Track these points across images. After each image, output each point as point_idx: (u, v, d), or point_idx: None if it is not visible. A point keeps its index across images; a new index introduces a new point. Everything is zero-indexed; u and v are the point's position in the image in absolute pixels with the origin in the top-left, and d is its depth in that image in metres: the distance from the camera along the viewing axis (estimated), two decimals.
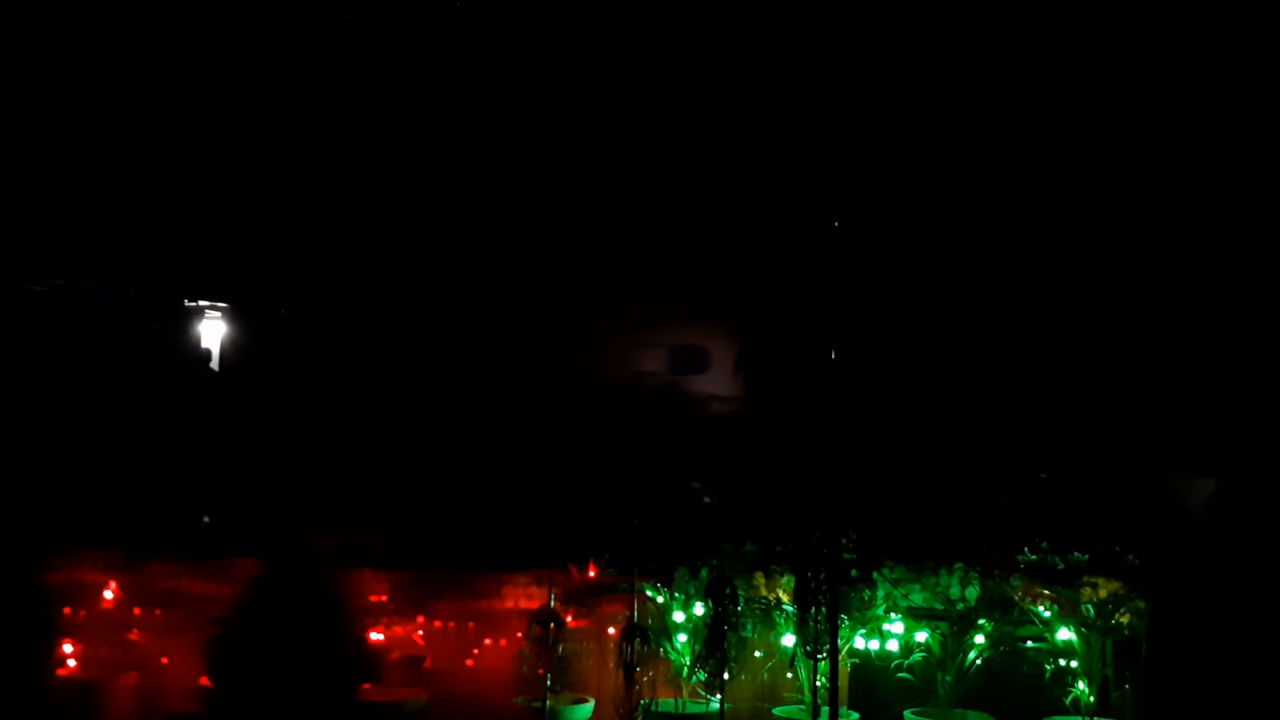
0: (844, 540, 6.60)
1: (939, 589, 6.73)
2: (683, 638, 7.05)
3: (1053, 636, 6.59)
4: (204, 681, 6.95)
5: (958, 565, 6.76)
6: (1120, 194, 8.86)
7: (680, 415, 10.48)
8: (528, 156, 10.05)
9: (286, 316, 10.90)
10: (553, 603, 6.92)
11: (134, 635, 7.86)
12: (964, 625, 6.69)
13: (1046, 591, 6.61)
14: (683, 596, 7.09)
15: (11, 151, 9.73)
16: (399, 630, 7.85)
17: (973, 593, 6.67)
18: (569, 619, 7.01)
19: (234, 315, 11.39)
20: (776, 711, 6.92)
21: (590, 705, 7.12)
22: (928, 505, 8.33)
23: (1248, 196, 8.49)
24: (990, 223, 9.36)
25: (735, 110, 9.46)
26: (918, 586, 6.78)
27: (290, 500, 8.95)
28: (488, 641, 7.76)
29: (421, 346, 10.52)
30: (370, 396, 10.16)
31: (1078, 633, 6.51)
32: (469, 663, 7.75)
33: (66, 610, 7.72)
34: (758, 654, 7.05)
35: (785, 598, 6.83)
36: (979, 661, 6.70)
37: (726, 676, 6.52)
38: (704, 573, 7.03)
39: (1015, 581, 6.71)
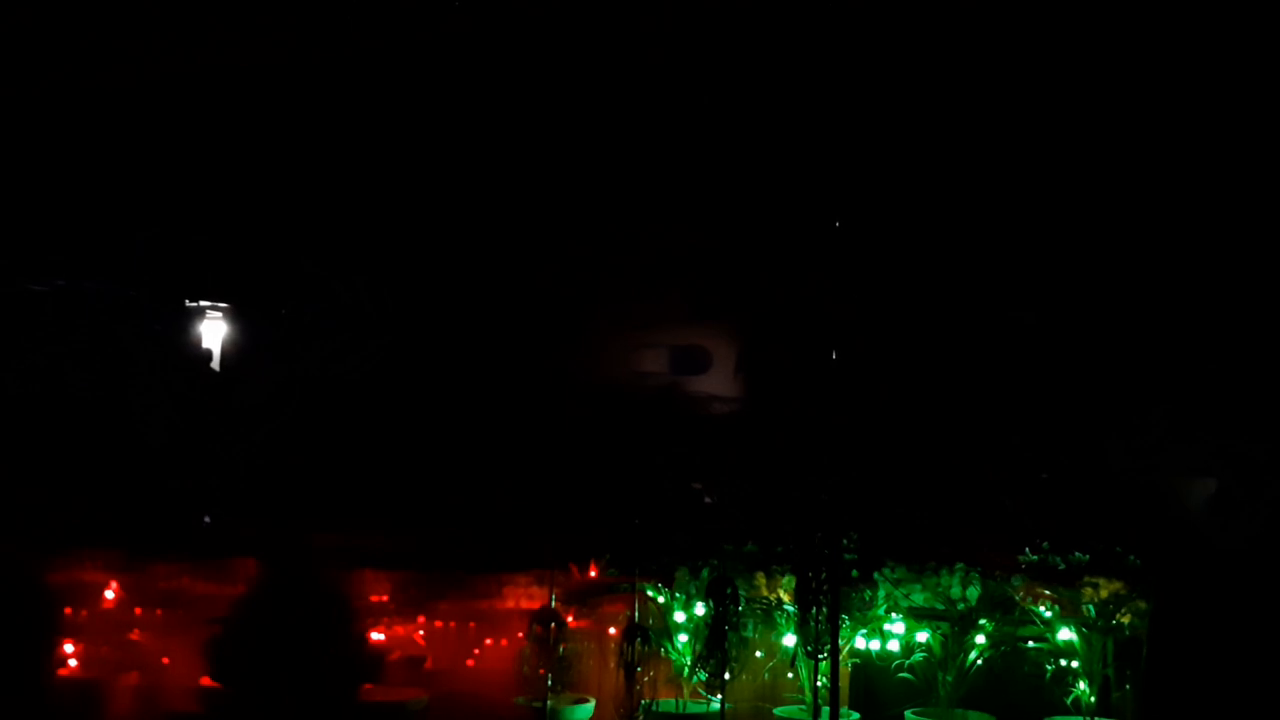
0: (845, 540, 6.59)
1: (940, 589, 6.73)
2: (683, 638, 7.05)
3: (1054, 637, 6.59)
4: (205, 681, 6.97)
5: (959, 565, 6.76)
6: (1120, 195, 8.87)
7: (680, 415, 10.49)
8: (528, 157, 10.05)
9: (287, 317, 10.90)
10: (553, 603, 6.92)
11: (135, 635, 7.85)
12: (965, 625, 6.69)
13: (1047, 592, 6.61)
14: (684, 596, 7.09)
15: (12, 151, 9.72)
16: (400, 630, 7.85)
17: (974, 593, 6.68)
18: (570, 619, 7.01)
19: (235, 315, 11.38)
20: (777, 711, 6.92)
21: (591, 705, 7.12)
22: (928, 505, 8.34)
23: (1247, 197, 8.49)
24: (990, 223, 9.36)
25: (735, 110, 9.46)
26: (919, 586, 6.79)
27: (290, 500, 8.95)
28: (488, 641, 7.76)
29: (422, 347, 10.52)
30: (370, 397, 10.16)
31: (1079, 633, 6.51)
32: (470, 663, 7.75)
33: (67, 610, 7.72)
34: (759, 654, 7.05)
35: (786, 598, 6.83)
36: (980, 662, 6.71)
37: (727, 676, 6.52)
38: (705, 573, 7.03)
39: (1016, 581, 6.71)
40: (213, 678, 6.83)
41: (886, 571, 6.81)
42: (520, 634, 7.21)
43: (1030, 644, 6.74)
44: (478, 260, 10.69)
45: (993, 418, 9.17)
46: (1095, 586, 6.45)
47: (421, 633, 7.90)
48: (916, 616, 6.80)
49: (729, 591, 6.56)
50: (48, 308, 10.68)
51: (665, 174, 9.86)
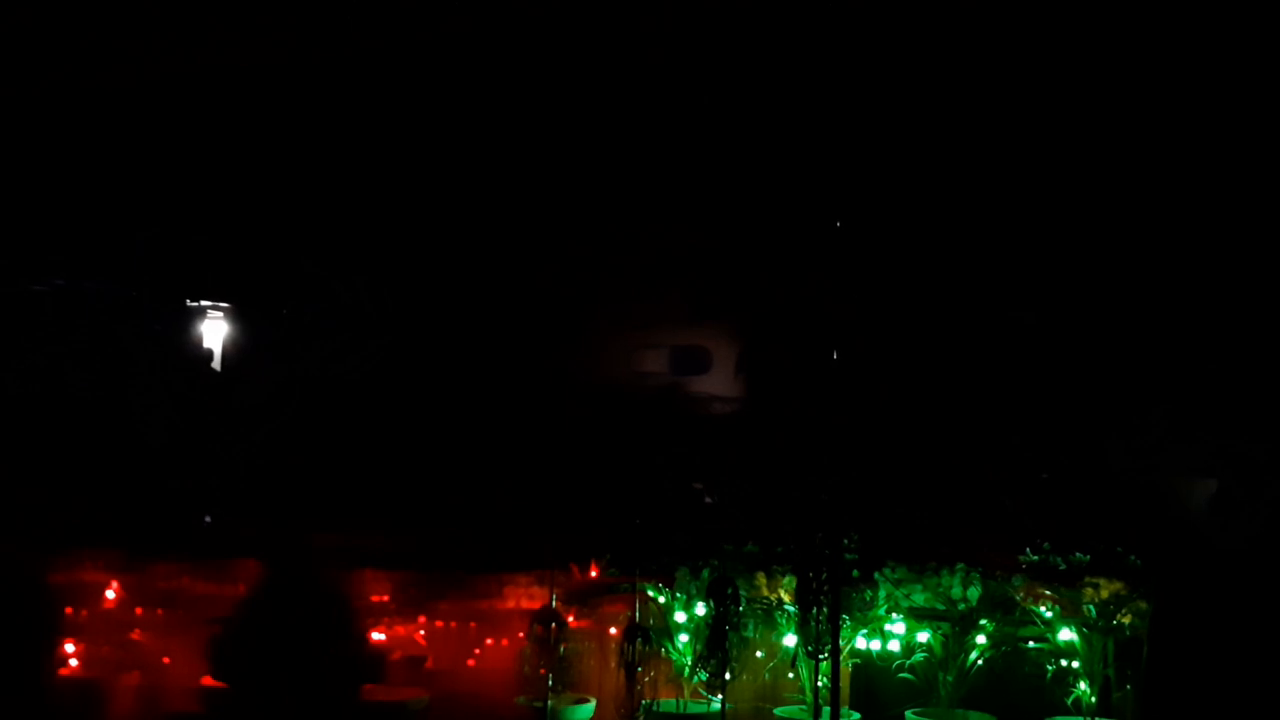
0: (845, 540, 6.60)
1: (940, 589, 6.73)
2: (684, 638, 7.05)
3: (1054, 637, 6.59)
4: (205, 681, 6.97)
5: (959, 565, 6.76)
6: (1120, 194, 8.87)
7: (681, 415, 10.49)
8: (528, 157, 10.05)
9: (288, 317, 10.90)
10: (554, 603, 6.92)
11: (135, 635, 7.86)
12: (965, 625, 6.69)
13: (1048, 592, 6.60)
14: (684, 596, 7.10)
15: (12, 151, 9.72)
16: (400, 630, 7.86)
17: (974, 593, 6.68)
18: (570, 619, 7.01)
19: (235, 315, 11.38)
20: (778, 712, 6.92)
21: (591, 705, 7.13)
22: (929, 505, 8.34)
23: (1247, 197, 8.50)
24: (990, 223, 9.36)
25: (735, 110, 9.46)
26: (919, 587, 6.79)
27: (291, 500, 8.95)
28: (489, 641, 7.76)
29: (422, 347, 10.52)
30: (370, 397, 10.16)
31: (1079, 633, 6.51)
32: (470, 663, 7.75)
33: (68, 610, 7.73)
34: (759, 654, 7.05)
35: (787, 598, 6.83)
36: (980, 662, 6.71)
37: (728, 677, 6.53)
38: (705, 573, 7.04)
39: (1017, 582, 6.71)
40: (214, 677, 6.84)
41: (887, 571, 6.81)
42: (521, 634, 7.22)
43: (1031, 644, 6.73)
44: (478, 260, 10.69)
45: (993, 418, 9.18)
46: (1096, 587, 6.45)
47: (422, 633, 7.90)
48: (917, 617, 6.80)
49: (729, 591, 6.56)
50: (48, 308, 10.68)
51: (665, 174, 9.86)
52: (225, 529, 9.28)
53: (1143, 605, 6.32)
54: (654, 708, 6.85)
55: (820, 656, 6.21)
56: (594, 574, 7.59)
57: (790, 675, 6.94)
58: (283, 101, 9.81)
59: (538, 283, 10.65)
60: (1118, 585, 6.42)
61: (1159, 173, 8.66)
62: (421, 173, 10.26)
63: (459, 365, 10.54)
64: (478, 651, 7.76)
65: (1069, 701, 6.54)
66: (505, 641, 7.68)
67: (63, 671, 7.53)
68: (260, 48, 9.04)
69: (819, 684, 6.34)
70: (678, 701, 7.03)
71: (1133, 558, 6.59)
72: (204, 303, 11.31)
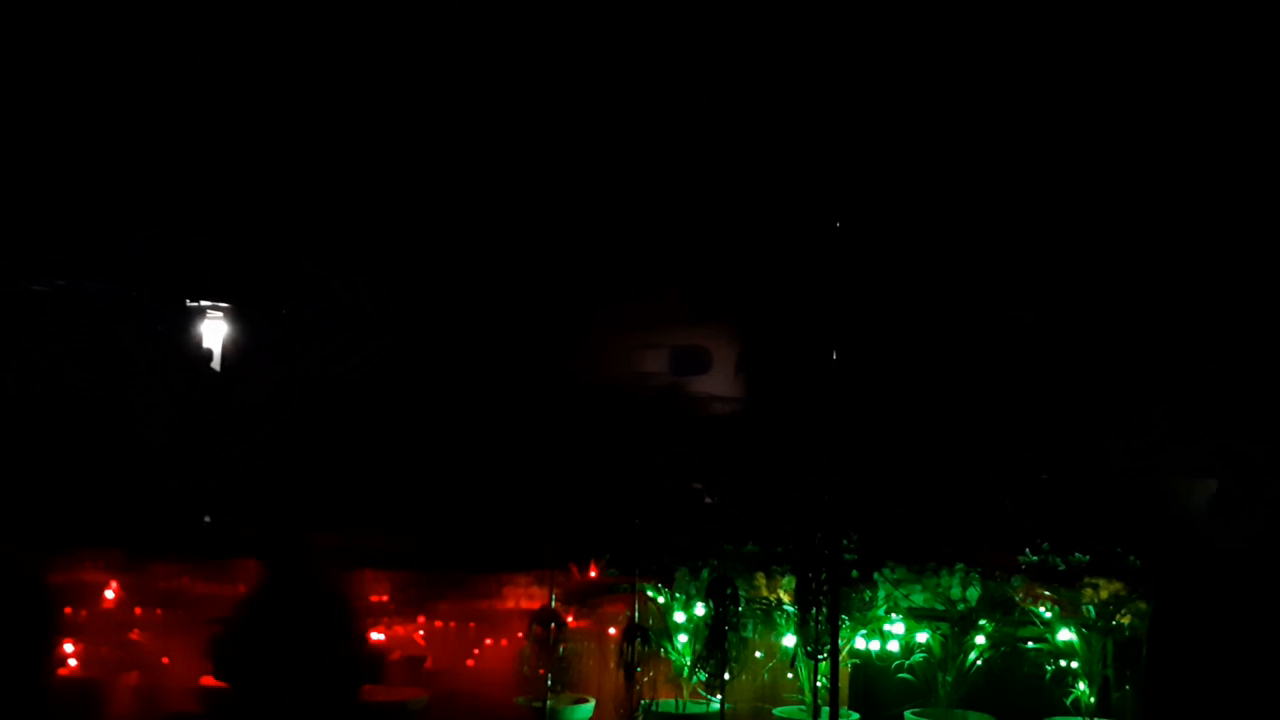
0: (845, 540, 6.60)
1: (940, 590, 6.73)
2: (683, 638, 7.04)
3: (1053, 637, 6.59)
4: (205, 681, 6.97)
5: (959, 566, 6.76)
6: (1119, 194, 8.87)
7: (681, 415, 10.49)
8: (528, 157, 10.05)
9: (288, 317, 10.90)
10: (553, 603, 6.92)
11: (135, 635, 7.86)
12: (965, 626, 6.69)
13: (1047, 592, 6.61)
14: (683, 597, 7.09)
15: (12, 151, 9.72)
16: (400, 630, 7.86)
17: (973, 593, 6.67)
18: (570, 619, 7.01)
19: (235, 315, 11.39)
20: (777, 712, 6.92)
21: (591, 705, 7.12)
22: (928, 505, 8.34)
23: (1247, 197, 8.49)
24: (990, 223, 9.36)
25: (735, 110, 9.46)
26: (918, 587, 6.78)
27: (290, 500, 8.95)
28: (488, 641, 7.76)
29: (421, 347, 10.52)
30: (370, 396, 10.16)
31: (1078, 633, 6.51)
32: (470, 663, 7.75)
33: (67, 610, 7.72)
34: (758, 654, 7.04)
35: (786, 598, 6.83)
36: (980, 662, 6.70)
37: (727, 677, 6.52)
38: (705, 573, 7.03)
39: (1016, 582, 6.71)
40: (214, 677, 6.83)
41: (886, 572, 6.81)
42: (520, 634, 7.21)
43: (1030, 644, 6.73)
44: (478, 260, 10.69)
45: (993, 418, 9.18)
46: (1095, 587, 6.45)
47: (421, 633, 7.90)
48: (916, 617, 6.80)
49: (729, 592, 6.56)
50: (48, 308, 10.68)
51: (665, 174, 9.86)
52: (225, 529, 9.29)
53: (1142, 606, 6.32)
54: (653, 708, 6.84)
55: (819, 657, 6.20)
56: (593, 574, 7.59)
57: (789, 675, 6.94)
58: (283, 101, 9.81)
59: (538, 283, 10.65)
60: (1117, 586, 6.42)
61: (1158, 173, 8.66)
62: (421, 173, 10.26)
63: (459, 365, 10.54)
64: (477, 652, 7.76)
65: (1068, 702, 6.54)
66: (505, 642, 7.67)
67: (62, 671, 7.52)
68: (260, 48, 9.04)
69: (818, 684, 6.33)
70: (677, 702, 7.02)
71: (1132, 558, 6.59)
72: (204, 303, 11.31)
